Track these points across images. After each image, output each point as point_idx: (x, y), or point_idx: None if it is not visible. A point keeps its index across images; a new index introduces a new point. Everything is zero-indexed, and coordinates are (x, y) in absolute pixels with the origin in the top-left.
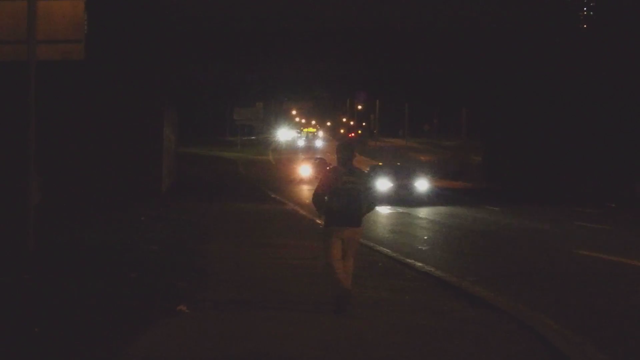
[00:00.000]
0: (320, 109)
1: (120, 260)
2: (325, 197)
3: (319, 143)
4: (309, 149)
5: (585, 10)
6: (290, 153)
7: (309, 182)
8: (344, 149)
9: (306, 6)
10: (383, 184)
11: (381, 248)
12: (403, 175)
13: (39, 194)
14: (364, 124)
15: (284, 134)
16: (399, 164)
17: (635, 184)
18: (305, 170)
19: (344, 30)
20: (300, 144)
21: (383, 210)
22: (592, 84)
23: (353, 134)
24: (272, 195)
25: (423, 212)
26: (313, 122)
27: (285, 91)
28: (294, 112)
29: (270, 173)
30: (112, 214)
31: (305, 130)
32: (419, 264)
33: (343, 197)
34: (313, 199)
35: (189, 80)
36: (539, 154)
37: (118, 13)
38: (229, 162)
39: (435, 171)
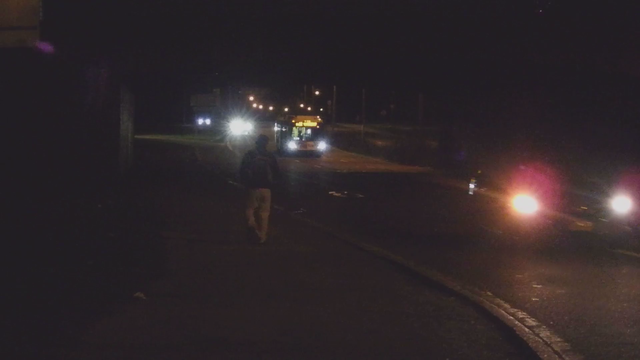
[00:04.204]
0: (277, 94)
1: (77, 247)
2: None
3: (322, 147)
4: (309, 157)
5: None
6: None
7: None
8: (260, 139)
9: None
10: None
11: (338, 233)
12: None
13: None
14: (321, 109)
15: (239, 126)
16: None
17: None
18: None
19: (300, 15)
20: (291, 147)
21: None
22: (548, 69)
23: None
24: (230, 182)
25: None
26: (323, 109)
27: (241, 77)
28: (251, 99)
29: (227, 159)
30: (68, 201)
31: (299, 123)
32: (375, 248)
33: (256, 169)
34: (238, 175)
35: (146, 65)
36: (494, 139)
37: None
38: (185, 149)
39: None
